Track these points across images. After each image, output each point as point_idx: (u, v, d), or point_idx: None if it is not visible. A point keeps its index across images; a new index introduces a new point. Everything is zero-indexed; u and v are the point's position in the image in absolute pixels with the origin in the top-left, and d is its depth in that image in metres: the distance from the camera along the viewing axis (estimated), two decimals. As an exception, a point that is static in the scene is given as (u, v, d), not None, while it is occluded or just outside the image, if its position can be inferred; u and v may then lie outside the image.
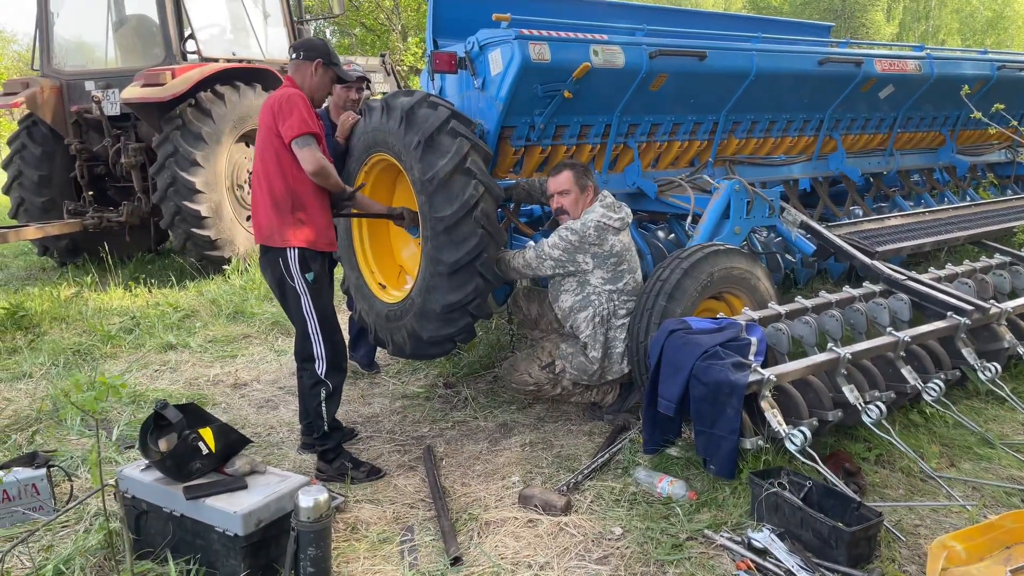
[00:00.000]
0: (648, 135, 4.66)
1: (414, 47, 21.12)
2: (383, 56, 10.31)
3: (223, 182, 7.49)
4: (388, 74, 10.18)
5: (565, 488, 3.21)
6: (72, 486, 3.21)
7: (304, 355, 3.40)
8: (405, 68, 19.74)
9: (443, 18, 4.40)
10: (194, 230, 7.25)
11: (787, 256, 5.13)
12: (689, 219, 4.31)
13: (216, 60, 7.80)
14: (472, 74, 4.04)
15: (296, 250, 3.28)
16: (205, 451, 2.72)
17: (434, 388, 4.41)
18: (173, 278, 7.21)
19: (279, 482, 2.76)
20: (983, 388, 3.68)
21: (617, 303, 3.78)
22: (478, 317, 3.78)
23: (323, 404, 3.38)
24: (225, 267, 7.39)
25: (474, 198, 3.56)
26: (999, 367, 3.71)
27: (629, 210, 3.85)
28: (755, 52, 4.68)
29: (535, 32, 3.87)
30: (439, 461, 3.58)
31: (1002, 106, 4.55)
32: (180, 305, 6.29)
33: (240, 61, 8.08)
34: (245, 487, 2.70)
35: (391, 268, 4.34)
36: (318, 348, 3.36)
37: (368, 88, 4.71)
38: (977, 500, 2.97)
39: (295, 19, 8.89)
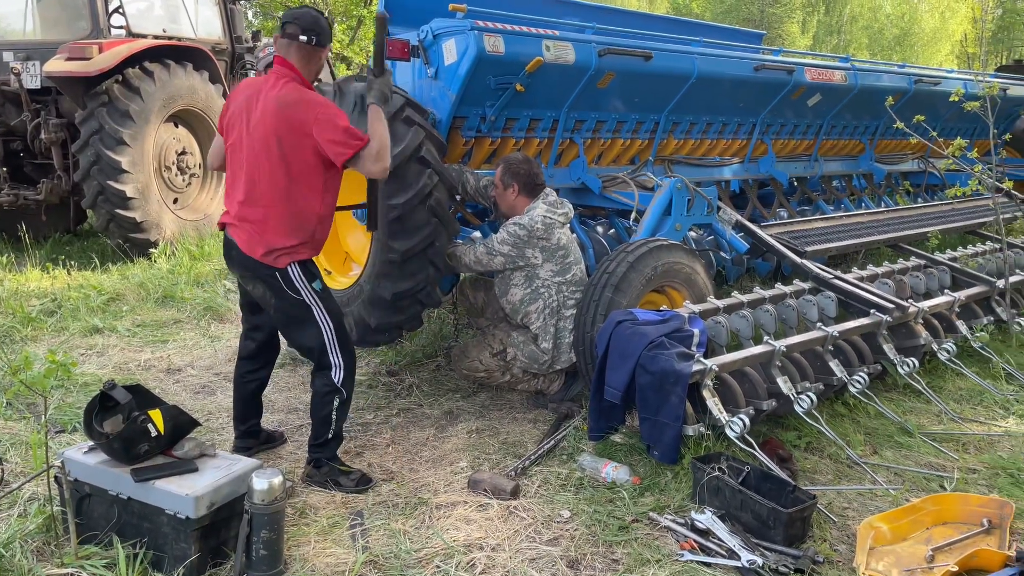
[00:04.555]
0: (593, 132, 4.77)
1: (341, 34, 20.71)
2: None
3: (150, 163, 7.23)
4: (322, 60, 9.99)
5: (513, 473, 3.27)
6: (3, 470, 3.07)
7: (321, 364, 3.17)
8: (331, 55, 19.38)
9: (395, 5, 4.38)
10: (118, 211, 6.96)
11: (720, 253, 5.32)
12: (633, 215, 4.44)
13: (144, 36, 7.51)
14: (425, 63, 4.04)
15: (298, 263, 3.06)
16: (154, 433, 2.66)
17: (377, 376, 4.40)
18: (96, 260, 6.91)
19: (230, 465, 2.73)
20: (902, 381, 3.93)
21: (566, 294, 3.87)
22: (427, 306, 3.80)
23: (334, 412, 3.19)
24: (152, 250, 7.13)
25: (428, 187, 3.58)
26: (916, 362, 3.97)
27: (571, 206, 3.93)
28: (697, 56, 4.84)
29: (490, 24, 3.90)
30: (386, 448, 3.59)
31: (923, 118, 4.86)
32: (104, 288, 6.04)
33: (170, 38, 7.80)
34: (196, 469, 2.66)
35: (337, 254, 4.30)
36: (335, 356, 3.14)
37: None
38: (900, 485, 3.18)
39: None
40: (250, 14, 25.43)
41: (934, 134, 4.79)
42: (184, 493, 2.53)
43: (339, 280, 4.11)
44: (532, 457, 3.41)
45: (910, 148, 6.84)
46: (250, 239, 3.03)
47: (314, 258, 3.18)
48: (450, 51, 3.91)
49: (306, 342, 3.17)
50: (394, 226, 3.58)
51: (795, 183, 6.45)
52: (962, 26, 55.22)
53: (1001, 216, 5.09)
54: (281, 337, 3.40)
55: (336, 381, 3.15)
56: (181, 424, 2.80)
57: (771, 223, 5.13)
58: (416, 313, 3.79)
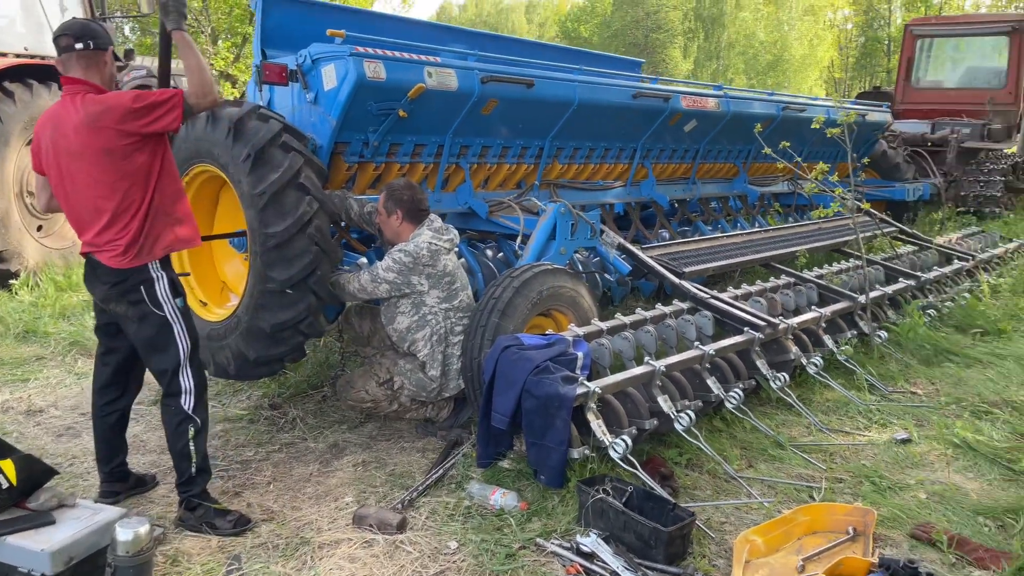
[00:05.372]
0: (479, 157, 4.80)
1: (224, 51, 20.12)
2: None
3: (11, 188, 6.74)
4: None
5: (400, 506, 3.21)
6: None
7: (170, 389, 3.03)
8: (216, 73, 18.76)
9: (272, 28, 4.28)
10: (-26, 240, 6.47)
11: (605, 275, 5.45)
12: (519, 239, 4.48)
13: (5, 55, 7.03)
14: (304, 88, 3.97)
15: (165, 276, 2.95)
16: (5, 485, 2.46)
17: (259, 410, 4.24)
18: (-54, 293, 6.38)
19: (92, 515, 2.57)
20: (774, 395, 4.12)
21: (454, 320, 3.86)
22: (310, 336, 3.70)
23: (191, 443, 3.02)
24: (12, 281, 6.64)
25: (308, 214, 3.50)
26: (787, 377, 4.18)
27: (456, 232, 3.94)
28: (577, 83, 4.97)
29: (370, 50, 3.87)
30: (266, 486, 3.45)
31: (788, 144, 5.15)
32: (-45, 324, 5.58)
33: (32, 57, 7.33)
34: (52, 522, 2.49)
35: (213, 284, 4.13)
36: (186, 380, 3.01)
37: None
38: (773, 497, 3.32)
39: (97, 15, 8.21)
40: (127, 29, 24.32)
41: (799, 159, 5.08)
42: (39, 548, 2.36)
43: (215, 311, 3.95)
44: (420, 488, 3.36)
45: (780, 171, 7.24)
46: (113, 255, 2.91)
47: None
48: (329, 76, 3.85)
49: (162, 363, 3.04)
50: (272, 255, 3.47)
51: (675, 205, 6.69)
52: (829, 53, 59.18)
53: (861, 235, 5.46)
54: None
55: (186, 407, 3.03)
56: (36, 473, 2.61)
57: (652, 245, 5.30)
58: (298, 344, 3.68)
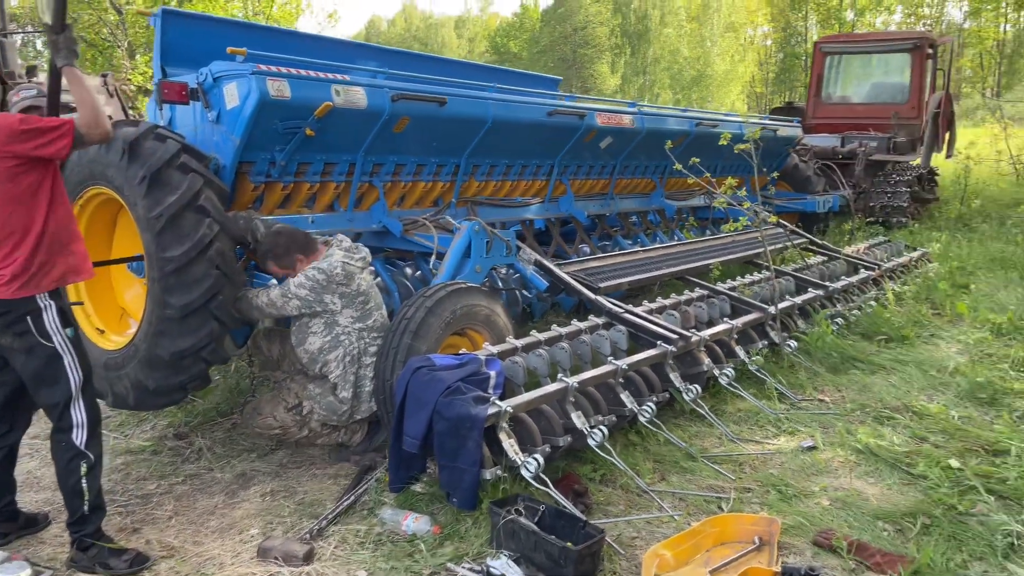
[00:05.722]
0: (393, 175, 4.75)
1: (143, 66, 19.53)
2: (104, 76, 9.43)
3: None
4: (111, 96, 9.32)
5: (308, 536, 3.12)
6: None
7: (61, 423, 2.89)
8: (133, 88, 18.16)
9: (173, 46, 4.16)
10: None
11: (524, 292, 5.46)
12: (433, 257, 4.45)
13: None
14: (206, 106, 3.86)
15: (53, 305, 2.83)
16: None
17: (163, 440, 4.08)
18: None
19: (-34, 564, 2.40)
20: (688, 407, 4.18)
21: (367, 340, 3.79)
22: (213, 363, 3.58)
23: (83, 480, 2.89)
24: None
25: (208, 237, 3.39)
26: (700, 388, 4.25)
27: (367, 251, 3.88)
28: (491, 101, 4.98)
29: (274, 68, 3.79)
30: (167, 520, 3.32)
31: (697, 160, 5.26)
32: None
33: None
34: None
35: (111, 310, 3.97)
36: (78, 413, 2.89)
37: None
38: (683, 510, 3.35)
39: (-3, 28, 7.87)
40: (39, 43, 23.36)
41: (708, 175, 5.20)
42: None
43: (113, 339, 3.78)
44: (329, 516, 3.28)
45: (691, 185, 7.40)
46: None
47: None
48: (232, 95, 3.76)
49: (52, 397, 2.91)
50: (171, 280, 3.35)
51: (595, 220, 6.77)
52: (750, 69, 61.24)
53: (773, 246, 5.61)
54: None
55: (78, 443, 2.90)
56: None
57: (569, 261, 5.33)
58: (201, 372, 3.56)
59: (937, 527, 3.10)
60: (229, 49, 3.73)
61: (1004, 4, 50.35)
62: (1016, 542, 3.02)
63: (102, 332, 3.85)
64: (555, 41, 59.12)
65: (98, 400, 3.12)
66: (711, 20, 56.30)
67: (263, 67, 3.74)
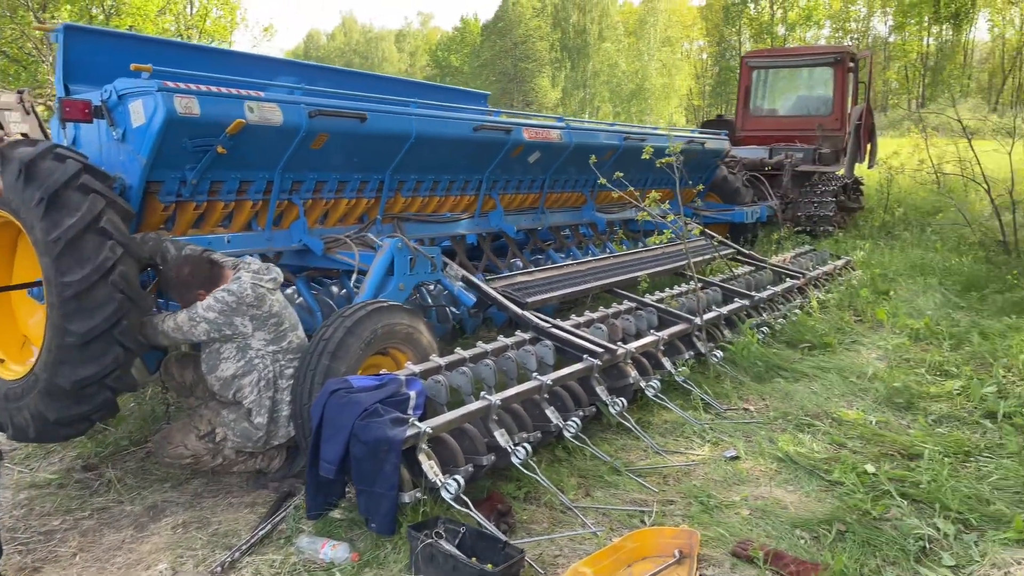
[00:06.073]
0: (314, 192, 4.66)
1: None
2: (20, 93, 9.09)
3: None
4: (27, 112, 8.99)
5: (219, 569, 3.01)
6: None
7: None
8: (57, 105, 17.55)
9: (76, 63, 4.01)
10: None
11: (453, 308, 5.42)
12: (354, 276, 4.37)
13: None
14: (110, 124, 3.72)
15: None
16: None
17: (71, 472, 3.89)
18: None
19: None
20: (614, 421, 4.18)
21: (283, 363, 3.69)
22: (120, 391, 3.44)
23: None
24: None
25: (110, 260, 3.26)
26: (626, 401, 4.25)
27: (278, 271, 3.78)
28: (414, 117, 4.93)
29: (181, 85, 3.69)
30: (71, 558, 3.16)
31: (621, 174, 5.31)
32: None
33: None
34: None
35: (13, 338, 3.78)
36: None
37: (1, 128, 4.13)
38: (606, 525, 3.34)
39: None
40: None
41: (631, 188, 5.24)
42: None
43: (13, 368, 3.61)
44: (243, 547, 3.16)
45: (616, 200, 7.47)
46: None
47: None
48: (137, 113, 3.64)
49: None
50: (71, 305, 3.21)
51: (527, 235, 6.77)
52: (687, 82, 62.60)
53: (699, 258, 5.68)
54: None
55: None
56: None
57: (498, 276, 5.31)
58: (106, 401, 3.41)
59: (852, 533, 3.15)
60: (133, 66, 3.60)
61: (926, 19, 52.55)
62: (928, 546, 3.09)
63: (2, 361, 3.66)
64: (496, 55, 59.55)
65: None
66: (648, 34, 57.47)
67: (170, 84, 3.63)
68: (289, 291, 4.86)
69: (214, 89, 3.85)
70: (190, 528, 3.38)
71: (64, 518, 3.49)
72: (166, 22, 24.06)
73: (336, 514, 3.34)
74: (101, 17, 21.41)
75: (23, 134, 8.65)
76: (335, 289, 5.19)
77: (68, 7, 20.55)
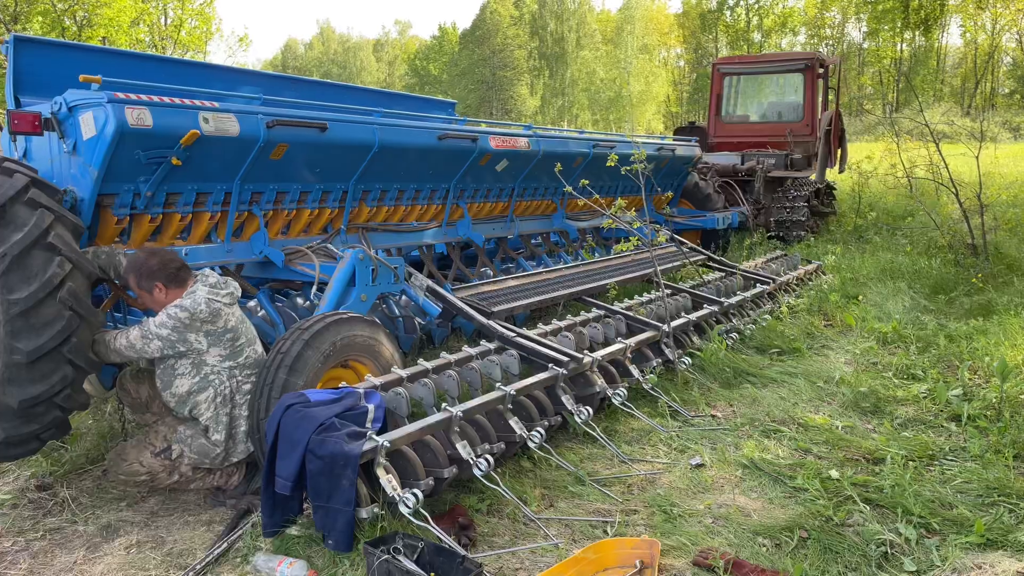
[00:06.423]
0: (275, 203, 4.61)
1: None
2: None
3: None
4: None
5: (171, 590, 2.94)
6: None
7: None
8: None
9: (27, 74, 3.94)
10: None
11: (420, 319, 5.37)
12: (314, 287, 4.32)
13: None
14: (60, 137, 3.66)
15: None
16: None
17: (24, 492, 3.80)
18: None
19: None
20: (580, 430, 4.15)
21: (240, 378, 3.63)
22: (70, 409, 3.36)
23: None
24: None
25: (59, 276, 3.19)
26: (591, 410, 4.22)
27: (236, 285, 3.72)
28: (377, 126, 4.90)
29: (132, 96, 3.63)
30: (20, 582, 3.07)
31: (587, 182, 5.30)
32: None
33: None
34: None
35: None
36: None
37: None
38: (568, 536, 3.30)
39: None
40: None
41: (596, 196, 5.23)
42: None
43: (-40, 388, 3.51)
44: (198, 567, 3.09)
45: (587, 207, 7.47)
46: None
47: None
48: (88, 124, 3.57)
49: None
50: (18, 323, 3.13)
51: (497, 243, 6.74)
52: (664, 89, 62.97)
53: (668, 264, 5.67)
54: None
55: None
56: None
57: (464, 285, 5.28)
58: (56, 420, 3.33)
59: (814, 540, 3.13)
60: (82, 77, 3.54)
61: (899, 24, 53.31)
62: (889, 551, 3.08)
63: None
64: (474, 64, 59.68)
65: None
66: (625, 42, 57.79)
67: (121, 95, 3.57)
68: (251, 304, 4.79)
69: (167, 100, 3.80)
70: (144, 548, 3.30)
71: (15, 539, 3.40)
72: (140, 33, 23.84)
73: (293, 531, 3.27)
74: (74, 29, 21.20)
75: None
76: (299, 301, 5.13)
77: (40, 19, 20.32)
